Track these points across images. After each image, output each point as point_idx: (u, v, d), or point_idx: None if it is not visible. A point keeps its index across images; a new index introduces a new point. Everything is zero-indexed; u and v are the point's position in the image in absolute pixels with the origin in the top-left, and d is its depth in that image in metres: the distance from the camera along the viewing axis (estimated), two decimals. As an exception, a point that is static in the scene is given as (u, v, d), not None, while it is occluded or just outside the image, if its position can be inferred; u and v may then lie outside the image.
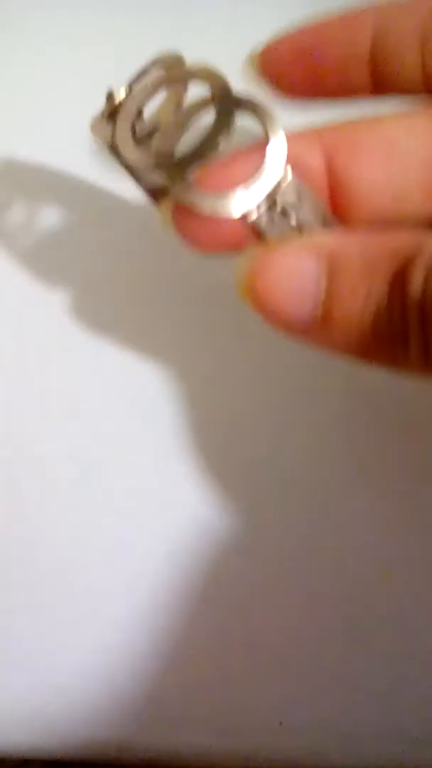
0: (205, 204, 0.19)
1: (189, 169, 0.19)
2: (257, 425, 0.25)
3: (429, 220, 0.20)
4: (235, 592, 0.24)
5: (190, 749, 0.23)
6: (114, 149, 0.20)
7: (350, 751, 0.23)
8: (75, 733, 0.23)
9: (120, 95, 0.20)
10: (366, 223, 0.20)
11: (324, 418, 0.25)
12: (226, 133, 0.19)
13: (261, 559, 0.24)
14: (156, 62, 0.20)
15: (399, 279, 0.17)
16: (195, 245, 0.20)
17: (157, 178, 0.20)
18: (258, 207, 0.19)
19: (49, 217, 0.28)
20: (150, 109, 0.20)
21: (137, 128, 0.20)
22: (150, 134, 0.20)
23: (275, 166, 0.19)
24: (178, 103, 0.20)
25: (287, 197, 0.19)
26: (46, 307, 0.27)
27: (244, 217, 0.19)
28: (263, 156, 0.19)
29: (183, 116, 0.20)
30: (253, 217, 0.19)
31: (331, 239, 0.19)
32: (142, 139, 0.19)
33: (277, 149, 0.19)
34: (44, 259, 0.28)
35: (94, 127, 0.20)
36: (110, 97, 0.20)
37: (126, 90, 0.20)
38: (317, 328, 0.18)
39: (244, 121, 0.19)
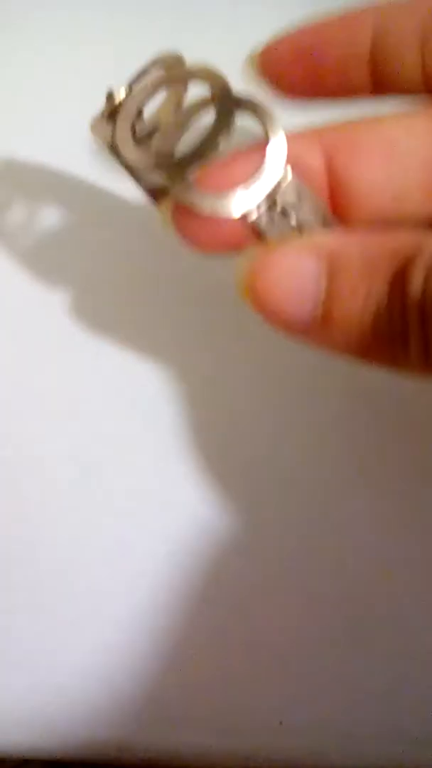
0: (205, 204, 0.19)
1: (189, 169, 0.19)
2: (257, 425, 0.25)
3: (429, 220, 0.20)
4: (235, 591, 0.24)
5: (190, 749, 0.23)
6: (114, 149, 0.20)
7: (350, 751, 0.23)
8: (75, 733, 0.23)
9: (120, 95, 0.20)
10: (366, 223, 0.20)
11: (324, 418, 0.25)
12: (226, 133, 0.19)
13: (261, 558, 0.24)
14: (156, 62, 0.20)
15: (399, 279, 0.17)
16: (195, 245, 0.20)
17: (157, 178, 0.20)
18: (258, 207, 0.19)
19: (49, 216, 0.28)
20: (150, 109, 0.20)
21: (137, 128, 0.20)
22: (150, 134, 0.20)
23: (275, 166, 0.19)
24: (178, 103, 0.20)
25: (287, 197, 0.19)
26: (46, 307, 0.27)
27: (243, 217, 0.19)
28: (263, 156, 0.19)
29: (183, 116, 0.20)
30: (253, 217, 0.19)
31: (331, 239, 0.19)
32: (142, 139, 0.19)
33: (277, 149, 0.19)
34: (44, 259, 0.28)
35: (94, 127, 0.20)
36: (110, 97, 0.20)
37: (126, 90, 0.20)
38: (317, 328, 0.18)
39: (244, 121, 0.19)
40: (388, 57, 0.20)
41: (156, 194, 0.20)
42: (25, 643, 0.24)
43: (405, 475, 0.25)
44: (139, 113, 0.20)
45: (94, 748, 0.23)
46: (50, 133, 0.28)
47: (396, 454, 0.25)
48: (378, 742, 0.23)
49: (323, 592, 0.24)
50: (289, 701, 0.23)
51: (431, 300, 0.17)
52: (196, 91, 0.20)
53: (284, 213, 0.19)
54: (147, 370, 0.26)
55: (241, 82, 0.21)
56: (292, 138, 0.19)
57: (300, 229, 0.19)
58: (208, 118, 0.19)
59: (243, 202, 0.19)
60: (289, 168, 0.19)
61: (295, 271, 0.18)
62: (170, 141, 0.19)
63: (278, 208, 0.19)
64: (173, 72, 0.20)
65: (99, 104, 0.20)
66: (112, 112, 0.20)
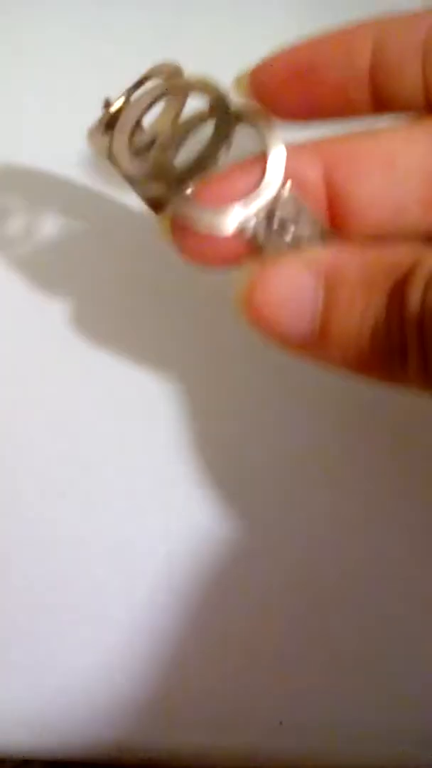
0: (203, 218, 0.18)
1: (187, 183, 0.19)
2: (257, 426, 0.25)
3: (428, 233, 0.20)
4: (235, 591, 0.24)
5: (190, 749, 0.23)
6: (111, 160, 0.19)
7: (350, 751, 0.23)
8: (75, 733, 0.23)
9: (117, 104, 0.20)
10: (365, 237, 0.19)
11: (324, 420, 0.25)
12: (225, 147, 0.18)
13: (261, 558, 0.24)
14: (153, 71, 0.20)
15: (397, 293, 0.17)
16: (193, 259, 0.20)
17: (155, 191, 0.20)
18: (256, 222, 0.19)
19: (49, 225, 0.28)
20: (149, 119, 0.20)
21: (135, 139, 0.19)
22: (148, 146, 0.19)
23: (274, 181, 0.18)
24: (177, 116, 0.19)
25: (285, 212, 0.19)
26: (47, 312, 0.27)
27: (241, 232, 0.19)
28: (262, 170, 0.19)
29: (181, 128, 0.19)
30: (251, 231, 0.19)
31: (329, 253, 0.18)
32: (140, 150, 0.19)
33: (276, 163, 0.19)
34: (44, 267, 0.27)
35: (91, 137, 0.20)
36: (107, 104, 0.20)
37: (123, 98, 0.20)
38: (315, 343, 0.18)
39: (243, 134, 0.19)
40: (389, 75, 0.20)
41: (156, 205, 0.20)
42: (25, 643, 0.24)
43: (407, 480, 0.25)
44: (137, 124, 0.19)
45: (94, 748, 0.23)
46: (50, 141, 0.28)
47: (397, 457, 0.25)
48: (378, 742, 0.23)
49: (323, 591, 0.24)
50: (289, 701, 0.23)
51: (430, 314, 0.16)
52: (195, 104, 0.19)
53: (282, 227, 0.19)
54: (147, 373, 0.26)
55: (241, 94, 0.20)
56: (291, 150, 0.19)
57: (298, 243, 0.19)
58: (206, 130, 0.19)
59: (241, 216, 0.18)
60: (287, 182, 0.19)
61: (292, 286, 0.18)
62: (168, 153, 0.19)
63: (276, 223, 0.19)
64: (172, 83, 0.19)
65: (97, 112, 0.20)
66: (109, 121, 0.20)
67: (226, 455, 0.25)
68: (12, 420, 0.26)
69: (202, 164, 0.18)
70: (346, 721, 0.23)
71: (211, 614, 0.24)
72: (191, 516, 0.25)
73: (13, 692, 0.23)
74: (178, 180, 0.19)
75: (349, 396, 0.25)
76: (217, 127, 0.19)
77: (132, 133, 0.19)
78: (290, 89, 0.20)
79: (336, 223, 0.19)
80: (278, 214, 0.19)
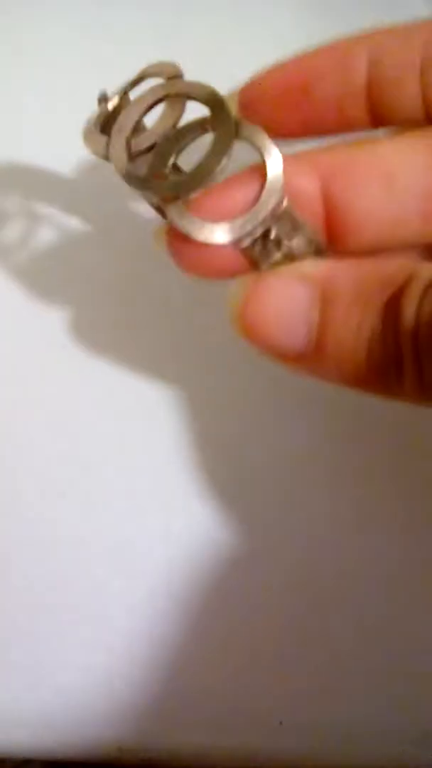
0: (199, 230, 0.18)
1: (184, 194, 0.18)
2: (257, 426, 0.25)
3: (427, 246, 0.20)
4: (236, 591, 0.24)
5: (190, 749, 0.23)
6: (109, 161, 0.19)
7: (350, 751, 0.23)
8: (75, 733, 0.23)
9: (113, 101, 0.19)
10: (362, 250, 0.19)
11: (324, 421, 0.25)
12: (223, 158, 0.18)
13: (261, 558, 0.24)
14: (152, 71, 0.19)
15: (392, 306, 0.17)
16: (189, 270, 0.19)
17: (152, 198, 0.19)
18: (252, 235, 0.18)
19: (49, 226, 0.28)
20: (148, 120, 0.20)
21: (133, 143, 0.19)
22: (146, 150, 0.19)
23: (271, 194, 0.18)
24: (176, 122, 0.19)
25: (282, 225, 0.19)
26: (47, 312, 0.27)
27: (237, 245, 0.19)
28: (259, 182, 0.18)
29: (181, 136, 0.19)
30: (247, 244, 0.19)
31: (324, 267, 0.18)
32: (138, 154, 0.19)
33: (274, 176, 0.18)
34: (43, 268, 0.27)
35: (87, 137, 0.19)
36: (103, 99, 0.19)
37: (120, 96, 0.19)
38: (310, 356, 0.18)
39: (241, 144, 0.19)
40: (386, 90, 0.20)
41: (158, 208, 0.20)
42: (25, 643, 0.24)
43: (406, 479, 0.25)
44: (135, 128, 0.19)
45: (94, 748, 0.23)
46: (49, 140, 0.28)
47: (398, 461, 0.25)
48: (378, 742, 0.23)
49: (323, 591, 0.24)
50: (289, 701, 0.23)
51: (425, 328, 0.16)
52: (195, 108, 0.19)
53: (278, 241, 0.19)
54: (147, 373, 0.26)
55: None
56: (287, 161, 0.18)
57: (293, 257, 0.19)
58: (205, 139, 0.19)
59: (237, 229, 0.18)
60: (284, 196, 0.18)
61: (287, 299, 0.18)
62: (165, 161, 0.19)
63: (272, 236, 0.19)
64: (173, 88, 0.19)
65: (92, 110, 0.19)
66: (105, 119, 0.19)
67: (225, 456, 0.25)
68: (12, 420, 0.26)
69: (199, 176, 0.18)
70: (346, 721, 0.23)
71: (211, 615, 0.24)
72: (191, 516, 0.25)
73: (13, 692, 0.23)
74: (174, 191, 0.18)
75: (348, 397, 0.25)
76: (216, 138, 0.18)
77: (130, 136, 0.19)
78: (283, 107, 0.20)
79: (334, 236, 0.19)
80: (275, 227, 0.18)
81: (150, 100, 0.19)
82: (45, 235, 0.27)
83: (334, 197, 0.19)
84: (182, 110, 0.19)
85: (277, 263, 0.19)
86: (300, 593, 0.24)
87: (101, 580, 0.24)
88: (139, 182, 0.19)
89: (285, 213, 0.19)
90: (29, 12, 0.31)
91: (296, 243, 0.19)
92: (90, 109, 0.20)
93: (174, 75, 0.19)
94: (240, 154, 0.19)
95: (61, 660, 0.24)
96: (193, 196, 0.18)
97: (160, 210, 0.20)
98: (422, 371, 0.17)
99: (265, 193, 0.18)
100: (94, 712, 0.23)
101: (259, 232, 0.19)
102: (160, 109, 0.19)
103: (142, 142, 0.19)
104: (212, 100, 0.19)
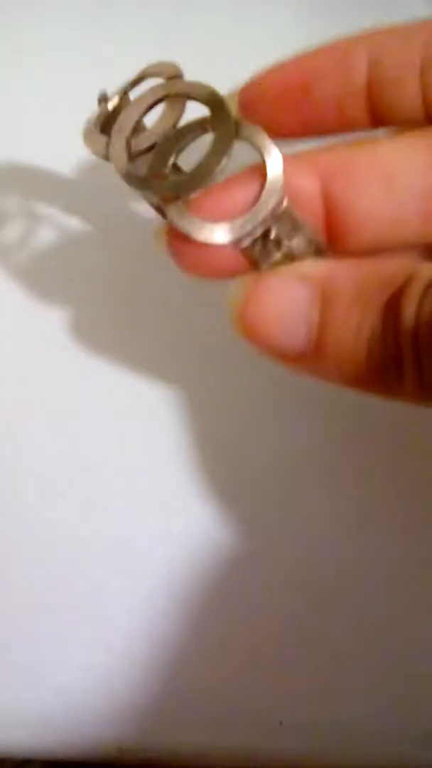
0: (199, 230, 0.18)
1: (184, 194, 0.18)
2: (257, 426, 0.25)
3: (427, 246, 0.20)
4: (236, 591, 0.24)
5: (190, 749, 0.23)
6: (109, 161, 0.19)
7: (350, 751, 0.23)
8: (75, 733, 0.23)
9: (113, 101, 0.19)
10: (362, 250, 0.19)
11: (324, 420, 0.25)
12: (224, 158, 0.18)
13: (261, 558, 0.24)
14: (152, 71, 0.19)
15: (392, 306, 0.17)
16: (189, 270, 0.19)
17: (152, 198, 0.19)
18: (252, 235, 0.18)
19: (49, 226, 0.28)
20: (147, 120, 0.20)
21: (133, 143, 0.19)
22: (146, 150, 0.19)
23: (271, 194, 0.18)
24: (176, 122, 0.19)
25: (282, 225, 0.19)
26: (47, 312, 0.27)
27: (237, 245, 0.19)
28: (259, 182, 0.18)
29: (181, 136, 0.19)
30: (247, 244, 0.19)
31: (324, 267, 0.18)
32: (138, 154, 0.19)
33: (274, 176, 0.18)
34: (43, 268, 0.27)
35: (87, 137, 0.19)
36: (103, 99, 0.19)
37: (120, 96, 0.19)
38: (310, 357, 0.18)
39: (241, 144, 0.19)
40: (386, 90, 0.20)
41: (158, 208, 0.20)
42: (25, 643, 0.24)
43: (406, 479, 0.25)
44: (135, 129, 0.19)
45: (94, 748, 0.23)
46: (49, 140, 0.28)
47: (398, 462, 0.25)
48: (378, 742, 0.23)
49: (323, 592, 0.24)
50: (289, 701, 0.23)
51: (425, 328, 0.16)
52: (195, 108, 0.19)
53: (278, 241, 0.19)
54: (147, 373, 0.26)
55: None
56: (287, 161, 0.18)
57: (293, 257, 0.19)
58: (205, 138, 0.19)
59: (237, 229, 0.18)
60: (284, 196, 0.18)
61: (287, 299, 0.18)
62: (165, 161, 0.19)
63: (272, 236, 0.19)
64: (173, 88, 0.19)
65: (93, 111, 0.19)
66: (105, 119, 0.19)
67: (225, 456, 0.25)
68: (12, 420, 0.26)
69: (199, 176, 0.18)
70: (346, 721, 0.23)
71: (211, 615, 0.24)
72: (191, 516, 0.25)
73: (13, 692, 0.23)
74: (174, 190, 0.18)
75: (348, 397, 0.25)
76: (216, 138, 0.18)
77: (130, 136, 0.19)
78: (283, 107, 0.20)
79: (334, 236, 0.19)
80: (275, 227, 0.18)
81: (150, 100, 0.19)
82: (45, 235, 0.27)
83: (334, 197, 0.19)
84: (182, 110, 0.19)
85: (277, 263, 0.19)
86: (300, 593, 0.24)
87: (101, 580, 0.24)
88: (139, 182, 0.19)
89: (285, 213, 0.19)
90: (29, 12, 0.31)
91: (296, 243, 0.19)
92: (90, 109, 0.20)
93: (174, 75, 0.19)
94: (240, 154, 0.19)
95: (61, 660, 0.24)
96: (193, 196, 0.18)
97: (160, 210, 0.20)
98: (422, 371, 0.17)
99: (265, 193, 0.18)
100: (94, 712, 0.23)
101: (259, 232, 0.18)
102: (160, 109, 0.19)
103: (142, 142, 0.19)
104: (212, 100, 0.19)
